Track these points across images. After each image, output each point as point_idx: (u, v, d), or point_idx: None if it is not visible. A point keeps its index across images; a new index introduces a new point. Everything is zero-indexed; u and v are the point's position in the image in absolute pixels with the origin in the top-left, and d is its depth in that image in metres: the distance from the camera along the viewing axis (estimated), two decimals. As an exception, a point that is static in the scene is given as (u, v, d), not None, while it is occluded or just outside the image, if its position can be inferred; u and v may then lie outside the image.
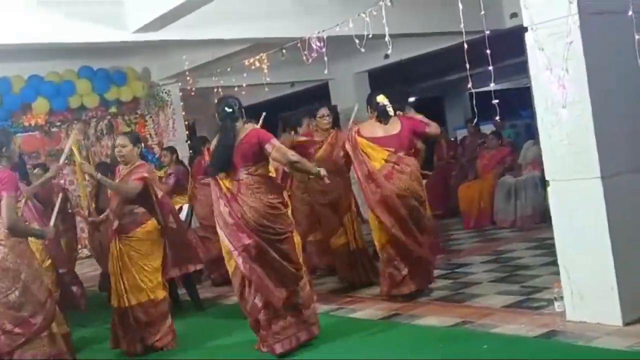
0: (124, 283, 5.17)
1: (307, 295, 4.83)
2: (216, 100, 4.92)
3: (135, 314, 5.17)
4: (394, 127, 5.73)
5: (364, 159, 5.69)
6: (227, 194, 4.60)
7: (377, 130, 5.74)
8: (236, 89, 8.83)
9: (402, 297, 5.66)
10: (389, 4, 5.78)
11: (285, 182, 6.25)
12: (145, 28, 6.52)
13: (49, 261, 5.42)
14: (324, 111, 6.56)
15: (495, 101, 4.35)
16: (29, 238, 4.41)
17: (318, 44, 6.63)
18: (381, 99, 5.66)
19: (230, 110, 4.65)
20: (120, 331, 5.24)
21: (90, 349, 5.67)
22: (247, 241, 4.54)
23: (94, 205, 7.16)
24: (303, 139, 6.67)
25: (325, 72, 6.76)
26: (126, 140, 5.35)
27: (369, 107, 5.80)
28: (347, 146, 5.82)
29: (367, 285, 6.37)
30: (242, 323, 5.09)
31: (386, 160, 5.65)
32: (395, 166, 5.64)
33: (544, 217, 8.14)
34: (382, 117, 5.70)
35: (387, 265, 5.71)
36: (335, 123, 6.70)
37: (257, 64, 7.76)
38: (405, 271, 5.64)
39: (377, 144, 5.69)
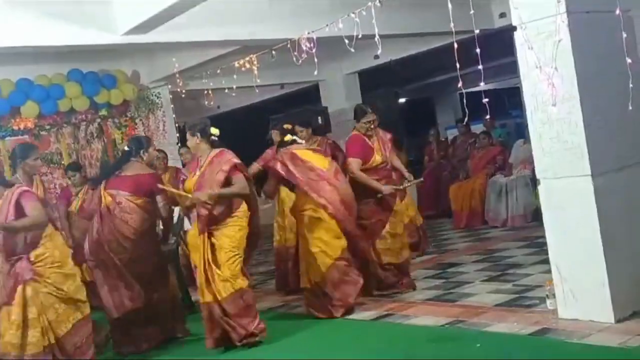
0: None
1: None
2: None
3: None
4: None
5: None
6: None
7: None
8: (226, 90, 8.80)
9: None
10: (379, 4, 5.77)
11: None
12: (134, 30, 6.50)
13: None
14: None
15: (485, 100, 4.36)
16: None
17: (308, 45, 6.61)
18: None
19: None
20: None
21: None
22: None
23: None
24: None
25: (315, 73, 6.74)
26: None
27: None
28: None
29: None
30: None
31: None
32: None
33: (535, 216, 8.17)
34: None
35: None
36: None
37: (247, 66, 7.74)
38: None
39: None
